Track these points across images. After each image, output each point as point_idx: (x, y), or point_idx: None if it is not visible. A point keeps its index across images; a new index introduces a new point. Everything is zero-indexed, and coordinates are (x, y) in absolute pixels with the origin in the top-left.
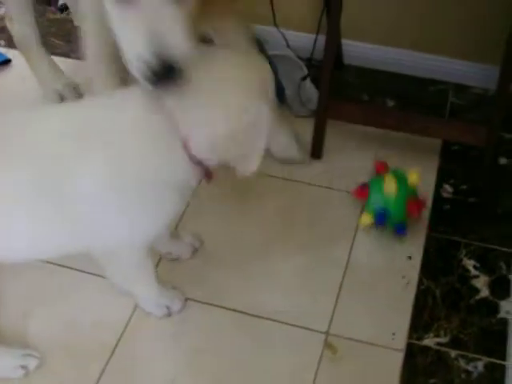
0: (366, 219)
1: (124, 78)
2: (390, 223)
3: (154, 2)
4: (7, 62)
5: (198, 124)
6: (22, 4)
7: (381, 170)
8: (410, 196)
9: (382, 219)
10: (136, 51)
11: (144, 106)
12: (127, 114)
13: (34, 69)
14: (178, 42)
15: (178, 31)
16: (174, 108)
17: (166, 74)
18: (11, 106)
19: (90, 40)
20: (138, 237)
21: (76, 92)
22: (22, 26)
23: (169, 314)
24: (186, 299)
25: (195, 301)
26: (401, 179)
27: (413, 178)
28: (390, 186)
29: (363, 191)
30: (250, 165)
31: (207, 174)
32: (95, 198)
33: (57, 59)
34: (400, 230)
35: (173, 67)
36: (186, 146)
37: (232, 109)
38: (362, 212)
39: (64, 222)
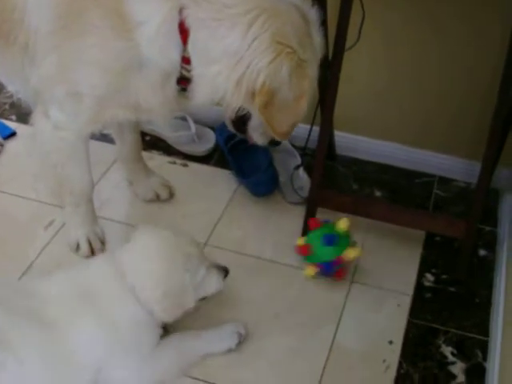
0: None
1: None
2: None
3: None
4: (13, 134)
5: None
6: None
7: (314, 225)
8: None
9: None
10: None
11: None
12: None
13: (129, 170)
14: None
15: None
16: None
17: None
18: (15, 179)
19: None
20: None
21: (170, 191)
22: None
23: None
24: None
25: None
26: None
27: (340, 225)
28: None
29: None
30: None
31: None
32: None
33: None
34: (325, 270)
35: None
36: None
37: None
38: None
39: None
